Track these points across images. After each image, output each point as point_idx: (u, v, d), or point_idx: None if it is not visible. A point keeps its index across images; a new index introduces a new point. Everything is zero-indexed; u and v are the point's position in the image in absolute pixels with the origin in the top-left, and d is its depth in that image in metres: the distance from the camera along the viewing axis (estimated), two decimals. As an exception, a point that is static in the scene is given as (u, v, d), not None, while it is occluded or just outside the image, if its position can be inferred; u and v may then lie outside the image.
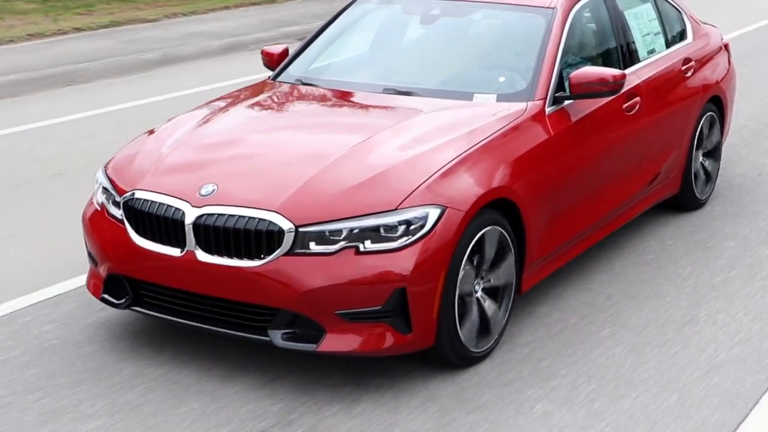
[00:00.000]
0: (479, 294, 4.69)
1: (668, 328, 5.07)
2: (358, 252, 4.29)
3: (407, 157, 4.62)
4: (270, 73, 6.09)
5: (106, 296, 4.86)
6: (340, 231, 4.30)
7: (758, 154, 8.04)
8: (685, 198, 6.76)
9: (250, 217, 4.35)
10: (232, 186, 4.53)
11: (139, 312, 4.77)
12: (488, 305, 4.74)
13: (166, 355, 4.79)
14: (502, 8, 5.83)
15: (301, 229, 4.30)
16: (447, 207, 4.41)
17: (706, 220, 6.66)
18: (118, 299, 4.81)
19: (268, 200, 4.39)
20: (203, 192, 4.51)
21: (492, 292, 4.76)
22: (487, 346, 4.75)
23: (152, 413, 4.30)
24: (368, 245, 4.29)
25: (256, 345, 4.68)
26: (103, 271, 4.85)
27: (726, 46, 7.40)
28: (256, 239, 4.34)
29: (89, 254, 5.02)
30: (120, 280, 4.78)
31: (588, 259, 5.86)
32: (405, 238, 4.31)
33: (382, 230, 4.31)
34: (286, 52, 6.16)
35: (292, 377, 4.57)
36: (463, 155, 4.66)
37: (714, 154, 7.05)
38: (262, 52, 6.24)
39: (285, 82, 5.83)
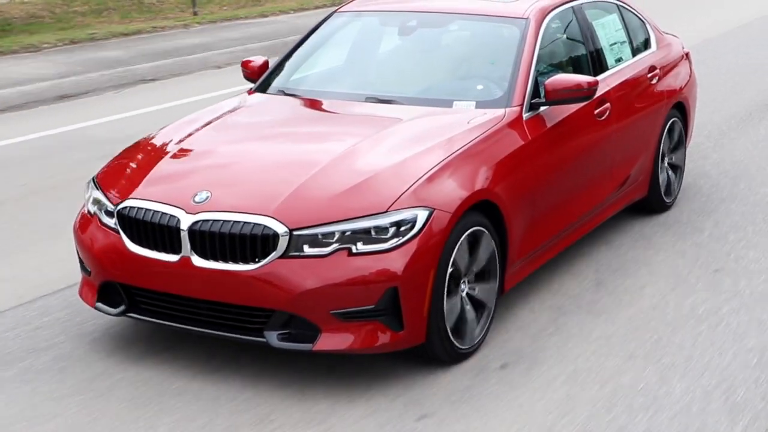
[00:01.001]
0: (464, 294, 4.85)
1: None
2: (350, 253, 4.44)
3: (394, 162, 4.78)
4: (251, 86, 6.23)
5: (100, 304, 4.96)
6: (332, 234, 4.45)
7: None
8: (652, 201, 6.99)
9: (245, 222, 4.48)
10: (225, 192, 4.66)
11: (135, 318, 4.88)
12: (473, 306, 4.91)
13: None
14: (476, 19, 6.04)
15: (295, 233, 4.44)
16: (435, 209, 4.57)
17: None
18: (112, 307, 4.91)
19: (261, 205, 4.53)
20: (197, 199, 4.63)
21: (477, 293, 4.93)
22: (474, 344, 4.91)
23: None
24: (360, 247, 4.44)
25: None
26: (96, 279, 4.96)
27: (687, 55, 7.67)
28: (251, 243, 4.47)
29: (81, 263, 5.12)
30: (114, 288, 4.88)
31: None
32: (396, 240, 4.47)
33: (373, 232, 4.46)
34: (266, 64, 6.31)
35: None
36: (448, 159, 4.84)
37: (679, 158, 7.30)
38: (243, 64, 6.39)
39: (268, 93, 5.98)
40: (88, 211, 5.10)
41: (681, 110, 7.27)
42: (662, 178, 6.99)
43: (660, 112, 6.89)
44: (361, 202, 4.54)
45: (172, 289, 4.68)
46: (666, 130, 6.99)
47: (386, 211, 4.50)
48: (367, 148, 4.95)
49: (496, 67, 5.70)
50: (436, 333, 4.65)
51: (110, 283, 4.89)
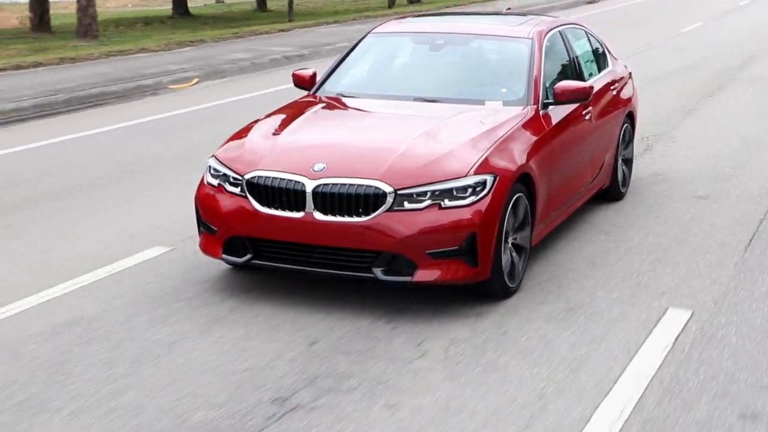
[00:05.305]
0: (510, 245, 6.35)
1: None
2: (440, 207, 5.88)
3: (462, 142, 6.27)
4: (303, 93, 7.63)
5: (226, 256, 6.26)
6: (426, 192, 5.89)
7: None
8: (612, 190, 8.65)
9: (359, 184, 5.88)
10: (337, 163, 6.04)
11: (258, 265, 6.20)
12: (516, 254, 6.41)
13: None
14: (491, 39, 7.64)
15: (399, 192, 5.86)
16: (498, 176, 6.07)
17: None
18: (238, 257, 6.22)
19: (371, 171, 5.94)
20: (316, 168, 6.00)
21: (517, 244, 6.43)
22: (517, 283, 6.41)
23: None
24: (447, 203, 5.90)
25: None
26: (222, 235, 6.25)
27: (630, 74, 9.42)
28: (364, 200, 5.87)
29: (204, 224, 6.39)
30: (240, 241, 6.18)
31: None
32: (473, 197, 5.94)
33: (454, 191, 5.92)
34: (314, 75, 7.71)
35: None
36: (501, 140, 6.36)
37: (629, 156, 9.00)
38: (294, 75, 7.76)
39: (327, 96, 7.38)
40: (209, 183, 6.39)
41: (630, 118, 8.99)
42: (619, 171, 8.67)
43: (619, 117, 8.59)
44: (446, 169, 6.01)
45: (295, 239, 6.02)
46: (622, 133, 8.68)
47: (465, 176, 5.97)
48: (436, 132, 6.42)
49: (513, 74, 7.26)
50: (497, 272, 6.13)
51: (236, 238, 6.19)
